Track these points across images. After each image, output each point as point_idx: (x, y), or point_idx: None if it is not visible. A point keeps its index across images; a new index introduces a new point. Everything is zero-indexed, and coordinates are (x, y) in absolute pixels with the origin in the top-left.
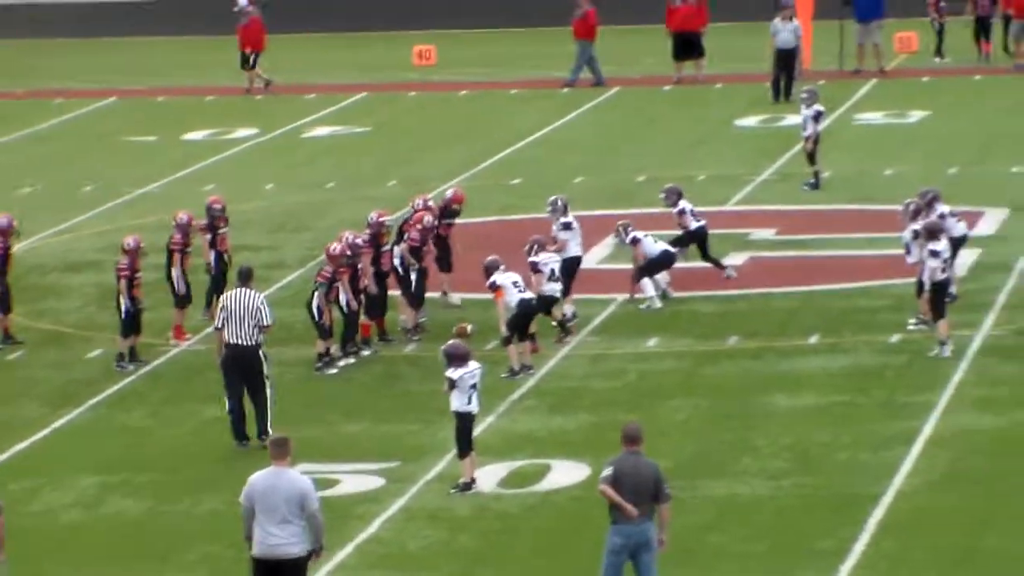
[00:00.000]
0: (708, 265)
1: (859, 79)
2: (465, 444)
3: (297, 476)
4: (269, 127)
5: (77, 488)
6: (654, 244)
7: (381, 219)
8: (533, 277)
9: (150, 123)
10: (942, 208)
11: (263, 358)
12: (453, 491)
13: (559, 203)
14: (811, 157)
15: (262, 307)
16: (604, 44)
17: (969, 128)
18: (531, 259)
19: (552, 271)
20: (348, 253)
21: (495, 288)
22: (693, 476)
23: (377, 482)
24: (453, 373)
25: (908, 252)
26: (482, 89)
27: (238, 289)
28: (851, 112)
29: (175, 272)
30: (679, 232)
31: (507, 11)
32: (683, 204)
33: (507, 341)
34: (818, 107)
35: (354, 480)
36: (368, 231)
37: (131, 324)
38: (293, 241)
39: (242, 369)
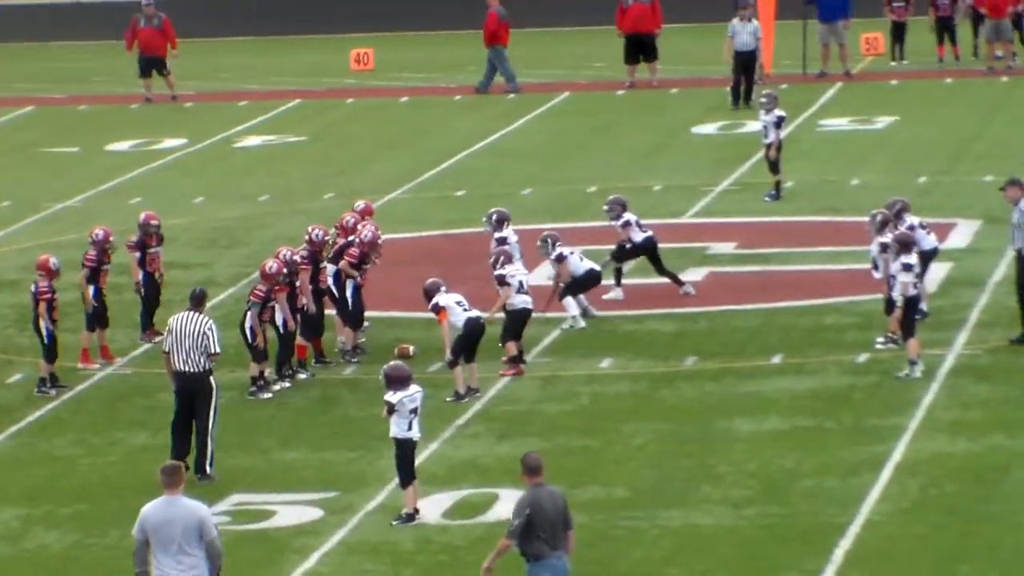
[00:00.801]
0: (665, 280)
1: (823, 83)
2: (407, 472)
3: (193, 503)
4: (198, 137)
5: None
6: (580, 262)
7: (326, 236)
8: (501, 290)
9: (71, 133)
10: (911, 219)
11: (212, 385)
12: (395, 523)
13: (494, 217)
14: (773, 166)
15: (209, 333)
16: (554, 47)
17: (939, 134)
18: (497, 272)
19: (520, 283)
20: (285, 271)
21: (438, 310)
22: (651, 505)
23: (315, 513)
24: (392, 397)
25: (875, 267)
26: (424, 95)
27: (187, 312)
28: (815, 118)
29: (89, 290)
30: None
31: (448, 13)
32: (627, 216)
33: (453, 364)
34: (779, 112)
35: (290, 511)
36: (307, 247)
37: (54, 347)
38: (225, 258)
39: (190, 397)
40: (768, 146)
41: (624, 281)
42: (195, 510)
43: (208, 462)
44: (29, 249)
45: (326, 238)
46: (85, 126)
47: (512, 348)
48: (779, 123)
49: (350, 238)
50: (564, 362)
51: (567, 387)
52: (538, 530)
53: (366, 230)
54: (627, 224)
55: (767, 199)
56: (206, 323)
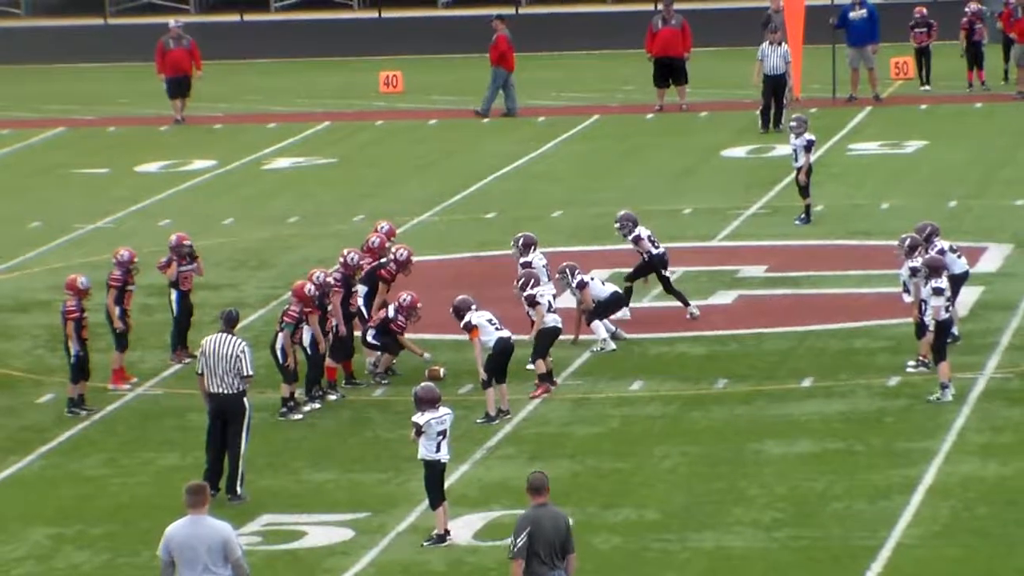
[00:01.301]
0: (675, 303)
1: (853, 107)
2: (436, 494)
3: (217, 523)
4: (227, 158)
5: (29, 541)
6: (602, 287)
7: (361, 260)
8: (534, 311)
9: (101, 154)
10: (941, 244)
11: (246, 406)
12: (426, 543)
13: (520, 242)
14: (804, 189)
15: (242, 355)
16: (584, 70)
17: (969, 158)
18: (527, 292)
19: (549, 303)
20: (317, 293)
21: (470, 328)
22: (681, 528)
23: (346, 534)
24: (420, 418)
25: (906, 291)
26: (453, 117)
27: (220, 334)
28: (845, 142)
29: (115, 311)
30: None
31: (477, 37)
32: (639, 231)
33: (487, 384)
34: (809, 136)
35: (321, 532)
36: (341, 270)
37: (81, 368)
38: (254, 279)
39: (223, 419)
40: (798, 170)
41: (654, 304)
42: (220, 530)
43: (239, 483)
44: (59, 270)
45: (361, 262)
46: (115, 147)
47: (542, 366)
48: (809, 147)
49: (382, 260)
50: (594, 384)
51: (598, 409)
52: (536, 550)
53: (400, 250)
54: (639, 239)
55: (797, 223)
56: (239, 345)
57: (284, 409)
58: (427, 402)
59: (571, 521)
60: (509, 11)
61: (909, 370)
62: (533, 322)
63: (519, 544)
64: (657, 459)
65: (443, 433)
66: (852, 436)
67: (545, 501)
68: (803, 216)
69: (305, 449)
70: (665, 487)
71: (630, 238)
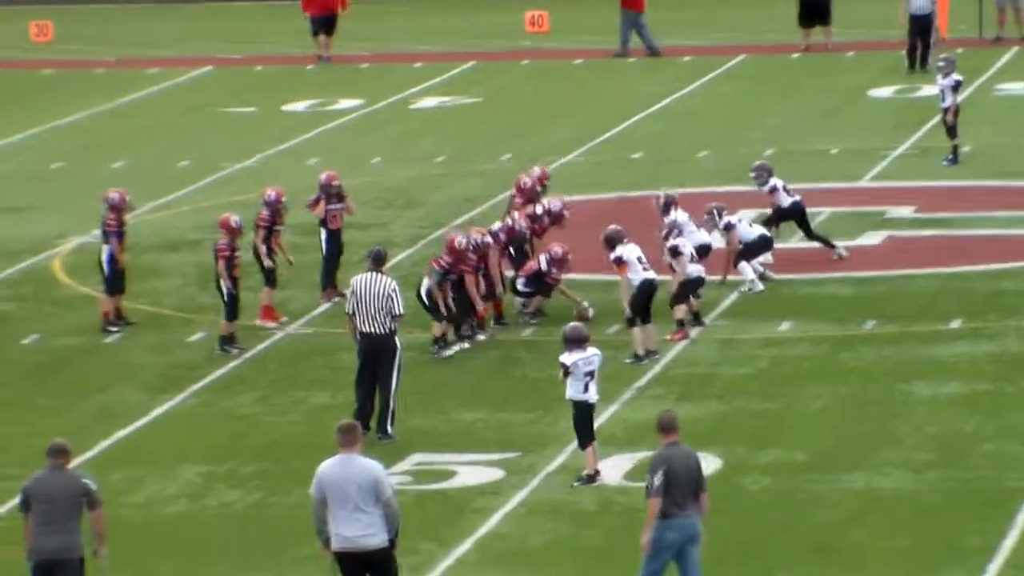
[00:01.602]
0: (818, 245)
1: (1000, 47)
2: (585, 435)
3: (368, 462)
4: (374, 98)
5: (181, 479)
6: (749, 228)
7: (525, 226)
8: (674, 262)
9: (248, 93)
10: None
11: (397, 345)
12: (576, 484)
13: (661, 201)
14: (951, 130)
15: (393, 295)
16: (729, 10)
17: None
18: (670, 243)
19: (691, 253)
20: (471, 248)
21: (620, 263)
22: (832, 469)
23: (496, 474)
24: (567, 359)
25: None
26: (599, 58)
27: (369, 273)
28: (992, 82)
29: (263, 249)
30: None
31: None
32: (774, 181)
33: (632, 322)
34: (956, 76)
35: (471, 472)
36: (504, 234)
37: (234, 306)
38: (402, 218)
39: (374, 358)
40: (945, 110)
41: (801, 245)
42: (371, 469)
43: (390, 422)
44: (208, 208)
45: (524, 227)
46: (262, 87)
47: (680, 311)
48: (956, 87)
49: (537, 210)
50: (742, 325)
51: (746, 350)
52: (671, 489)
53: (554, 202)
54: (774, 189)
55: (944, 163)
56: (390, 284)
57: (435, 348)
58: (575, 342)
59: (701, 461)
60: None
61: None
62: (674, 270)
63: (656, 483)
64: (806, 400)
65: (591, 374)
66: (1001, 377)
67: (676, 440)
68: (950, 156)
69: (454, 389)
70: (814, 428)
71: (765, 189)
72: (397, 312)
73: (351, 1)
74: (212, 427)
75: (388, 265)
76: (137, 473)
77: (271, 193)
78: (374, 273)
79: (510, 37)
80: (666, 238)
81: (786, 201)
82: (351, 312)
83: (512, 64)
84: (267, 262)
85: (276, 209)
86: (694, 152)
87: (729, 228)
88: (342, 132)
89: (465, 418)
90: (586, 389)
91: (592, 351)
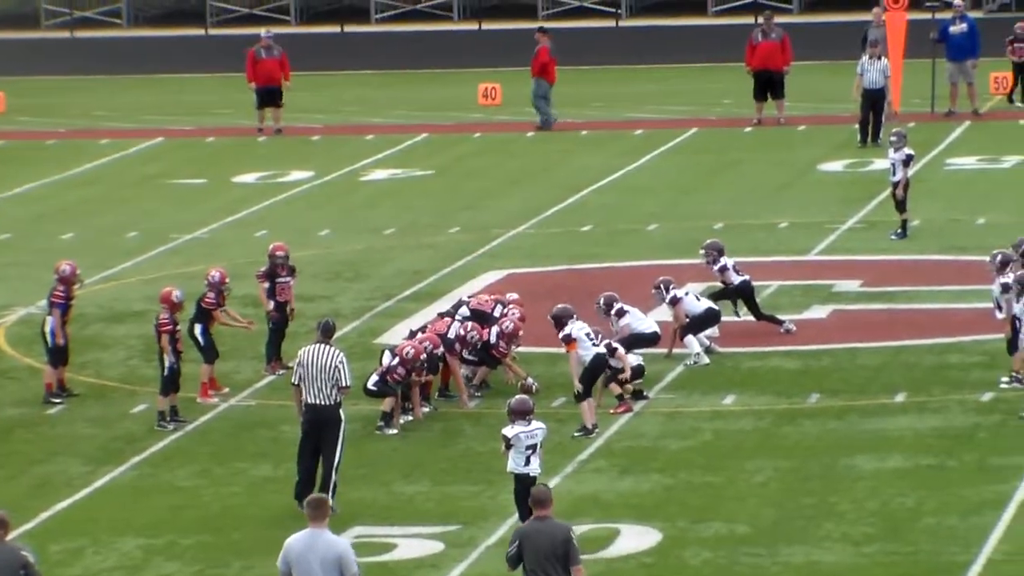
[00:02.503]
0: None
1: (951, 121)
2: (525, 508)
3: (335, 538)
4: (325, 170)
5: (120, 551)
6: (696, 302)
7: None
8: (614, 360)
9: (198, 165)
10: None
11: (342, 417)
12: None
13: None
14: (900, 204)
15: (341, 366)
16: (683, 83)
17: None
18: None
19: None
20: (423, 360)
21: (569, 341)
22: (772, 542)
23: (436, 546)
24: (509, 431)
25: (998, 307)
26: (551, 130)
27: (317, 345)
28: (942, 156)
29: (198, 329)
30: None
31: (575, 49)
32: (724, 260)
33: (582, 397)
34: (908, 151)
35: (412, 544)
36: (457, 341)
37: (173, 380)
38: (350, 291)
39: (319, 429)
40: (896, 184)
41: (748, 318)
42: (335, 545)
43: (332, 494)
44: (155, 280)
45: (476, 338)
46: (212, 158)
47: (615, 388)
48: (908, 161)
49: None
50: (687, 398)
51: (690, 423)
52: (525, 563)
53: (508, 319)
54: (724, 269)
55: (893, 237)
56: (338, 356)
57: (382, 423)
58: (519, 414)
59: (574, 535)
60: (534, 23)
61: (1003, 386)
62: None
63: (509, 553)
64: (749, 473)
65: (533, 447)
66: (944, 452)
67: (547, 514)
68: (899, 231)
69: (397, 461)
70: (756, 501)
71: (715, 268)
72: (344, 384)
73: (292, 75)
74: (152, 499)
75: (335, 336)
76: (76, 545)
77: (215, 274)
78: (322, 344)
79: (462, 109)
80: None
81: (735, 280)
82: (297, 383)
83: (464, 137)
84: (205, 341)
85: (220, 291)
86: (644, 225)
87: (675, 302)
88: (292, 204)
89: (407, 491)
90: (527, 462)
91: (536, 424)
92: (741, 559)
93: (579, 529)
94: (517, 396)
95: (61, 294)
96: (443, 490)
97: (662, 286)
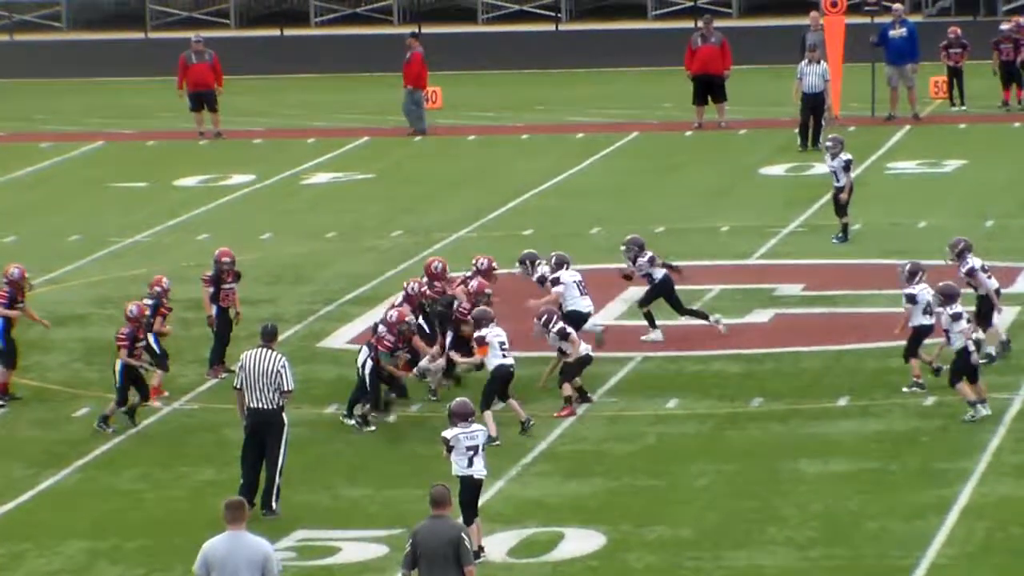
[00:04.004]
0: (698, 321)
1: (891, 125)
2: (469, 510)
3: (257, 539)
4: (266, 173)
5: (64, 554)
6: (580, 298)
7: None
8: (564, 344)
9: (140, 168)
10: (973, 261)
11: (284, 421)
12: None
13: (527, 261)
14: (842, 208)
15: (282, 370)
16: (623, 87)
17: (1008, 178)
18: (557, 327)
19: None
20: (409, 322)
21: (481, 343)
22: (715, 546)
23: (380, 550)
24: (448, 433)
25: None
26: (491, 134)
27: (259, 349)
28: (883, 160)
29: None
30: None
31: (516, 52)
32: (649, 254)
33: (485, 408)
34: (845, 156)
35: (356, 548)
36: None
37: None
38: (292, 294)
39: (262, 433)
40: (839, 189)
41: (690, 322)
42: (259, 546)
43: (275, 498)
44: (97, 283)
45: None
46: (153, 161)
47: (567, 389)
48: (848, 166)
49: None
50: (630, 402)
51: (633, 427)
52: (418, 561)
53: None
54: (652, 260)
55: (835, 241)
56: (279, 360)
57: (356, 423)
58: (460, 416)
59: (466, 535)
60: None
61: (904, 391)
62: (565, 352)
63: (405, 553)
64: (692, 477)
65: (474, 448)
66: (887, 456)
67: (442, 514)
68: (840, 235)
69: (341, 464)
70: (700, 505)
71: (635, 266)
72: (286, 388)
73: (232, 78)
74: (96, 503)
75: (278, 340)
76: (20, 549)
77: (165, 281)
78: (264, 349)
79: (403, 113)
80: (546, 325)
81: (658, 274)
82: (239, 387)
83: (405, 140)
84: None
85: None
86: (586, 228)
87: (543, 282)
88: (233, 207)
89: (351, 494)
90: (470, 464)
91: (476, 426)
92: (685, 563)
93: (523, 533)
94: (458, 399)
95: (5, 295)
96: (387, 493)
97: (528, 261)
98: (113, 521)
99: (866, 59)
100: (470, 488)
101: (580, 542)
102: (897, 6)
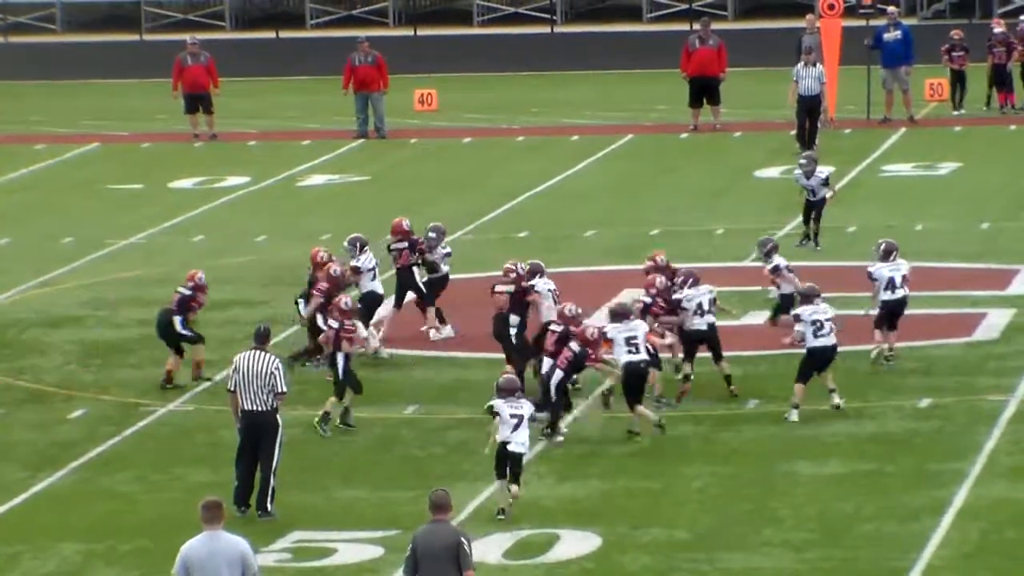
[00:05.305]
0: None
1: (887, 128)
2: (501, 470)
3: (234, 538)
4: (261, 175)
5: (58, 556)
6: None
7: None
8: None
9: (135, 170)
10: (778, 260)
11: (279, 423)
12: (500, 517)
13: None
14: (816, 217)
15: (276, 372)
16: (619, 89)
17: (1003, 181)
18: (675, 296)
19: (699, 305)
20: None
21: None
22: (711, 548)
23: (375, 551)
24: (495, 402)
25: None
26: (487, 136)
27: (253, 351)
28: (878, 163)
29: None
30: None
31: (512, 54)
32: (539, 281)
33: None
34: (821, 172)
35: (351, 549)
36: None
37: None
38: (287, 296)
39: (256, 435)
40: (823, 200)
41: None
42: (237, 545)
43: (270, 499)
44: (92, 285)
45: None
46: (148, 163)
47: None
48: (827, 181)
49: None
50: (625, 404)
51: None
52: (419, 565)
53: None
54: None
55: (799, 245)
56: (273, 362)
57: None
58: (506, 391)
59: (466, 540)
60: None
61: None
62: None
63: (405, 558)
64: (687, 479)
65: (518, 417)
66: (882, 457)
67: (442, 518)
68: (804, 240)
69: (336, 466)
70: (695, 507)
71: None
72: (280, 390)
73: (228, 80)
74: (91, 505)
75: (273, 342)
76: (14, 551)
77: (201, 276)
78: (258, 351)
79: (399, 115)
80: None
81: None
82: (233, 389)
83: (401, 142)
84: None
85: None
86: (581, 231)
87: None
88: (229, 209)
89: (346, 495)
90: (514, 430)
91: (523, 400)
92: (681, 565)
93: (519, 534)
94: (505, 375)
95: None
96: (382, 495)
97: (356, 243)
98: (108, 523)
99: (861, 62)
100: (504, 452)
101: (575, 544)
102: (892, 9)
